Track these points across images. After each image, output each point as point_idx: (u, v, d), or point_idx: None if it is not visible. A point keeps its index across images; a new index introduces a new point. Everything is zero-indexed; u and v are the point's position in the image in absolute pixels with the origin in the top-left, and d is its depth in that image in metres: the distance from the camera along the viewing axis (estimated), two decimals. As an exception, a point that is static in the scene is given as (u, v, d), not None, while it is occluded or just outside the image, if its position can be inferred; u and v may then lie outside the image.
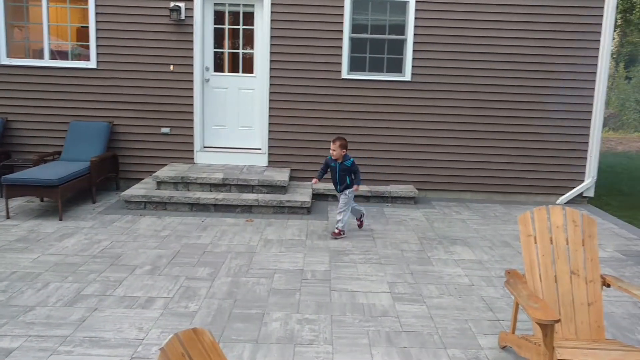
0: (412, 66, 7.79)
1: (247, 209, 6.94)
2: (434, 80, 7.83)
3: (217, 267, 4.98)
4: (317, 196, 7.63)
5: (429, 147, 7.97)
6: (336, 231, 6.02)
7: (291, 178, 7.82)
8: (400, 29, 7.80)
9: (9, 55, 7.73)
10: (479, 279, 4.96)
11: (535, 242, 3.44)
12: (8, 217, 6.31)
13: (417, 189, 7.91)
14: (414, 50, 7.75)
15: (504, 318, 4.14)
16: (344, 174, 6.00)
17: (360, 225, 6.38)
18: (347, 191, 6.03)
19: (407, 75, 7.82)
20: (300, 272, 4.94)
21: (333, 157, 5.97)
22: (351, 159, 6.00)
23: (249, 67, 8.00)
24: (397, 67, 7.88)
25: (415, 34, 7.72)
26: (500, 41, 7.74)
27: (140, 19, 7.62)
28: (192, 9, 7.59)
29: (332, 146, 5.95)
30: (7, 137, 7.78)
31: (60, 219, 6.32)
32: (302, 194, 7.21)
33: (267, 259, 5.25)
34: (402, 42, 7.82)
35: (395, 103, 7.87)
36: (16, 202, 6.96)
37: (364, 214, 6.35)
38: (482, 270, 5.18)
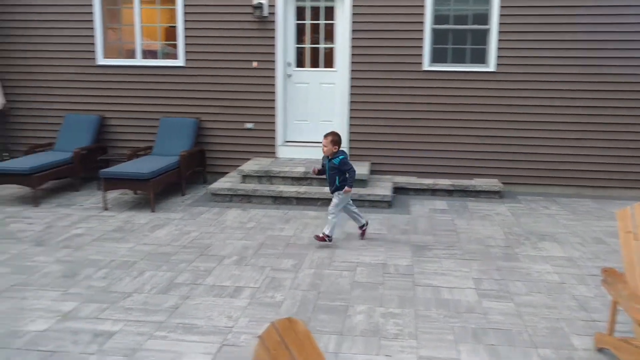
0: (497, 56, 7.54)
1: (328, 202, 6.98)
2: (519, 70, 7.55)
3: (301, 259, 5.07)
4: (399, 190, 7.58)
5: (515, 139, 7.71)
6: (320, 235, 5.43)
7: (371, 171, 7.80)
8: (484, 18, 7.57)
9: (105, 56, 8.19)
10: (569, 276, 4.75)
11: (637, 239, 3.25)
12: (106, 209, 6.72)
13: (502, 183, 7.68)
14: (499, 40, 7.51)
15: (599, 319, 3.95)
16: (334, 173, 5.39)
17: (362, 235, 5.70)
18: (337, 193, 5.46)
19: (492, 66, 7.58)
20: (383, 265, 4.94)
21: (324, 153, 5.45)
22: (341, 157, 5.33)
23: (329, 62, 8.05)
24: (480, 57, 7.67)
25: (500, 23, 7.47)
26: (591, 27, 7.34)
27: (224, 17, 7.85)
28: (275, 6, 7.72)
29: (323, 141, 5.40)
30: (103, 133, 8.27)
31: (152, 211, 6.65)
32: (382, 188, 7.19)
33: (348, 252, 5.28)
34: (485, 32, 7.59)
35: (478, 94, 7.67)
36: (112, 195, 7.38)
37: (366, 224, 5.69)
38: (573, 267, 4.96)
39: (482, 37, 7.62)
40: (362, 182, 7.16)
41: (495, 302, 4.20)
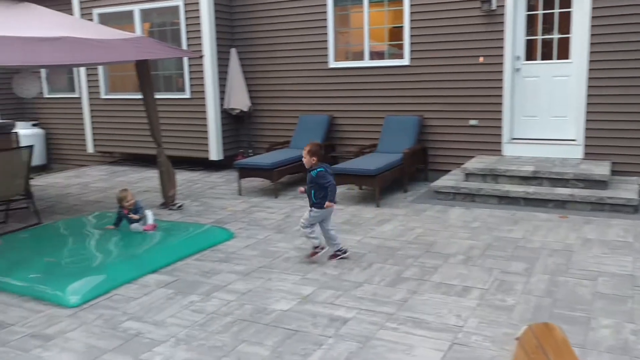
0: None
1: (560, 204, 6.50)
2: None
3: (532, 263, 4.79)
4: (645, 193, 6.71)
5: None
6: (310, 252, 5.06)
7: (612, 172, 7.03)
8: None
9: (335, 59, 8.71)
10: None
11: None
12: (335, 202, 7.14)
13: None
14: None
15: None
16: (311, 187, 4.88)
17: (311, 255, 5.04)
18: (311, 209, 4.90)
19: None
20: (631, 277, 4.41)
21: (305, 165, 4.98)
22: (319, 169, 4.82)
23: (563, 53, 7.45)
24: None
25: None
26: None
27: (450, 14, 7.77)
28: (504, -2, 7.41)
29: (303, 152, 4.95)
30: (332, 132, 8.81)
31: (377, 206, 6.88)
32: (627, 190, 6.43)
33: (587, 260, 4.83)
34: None
35: None
36: (340, 189, 7.79)
37: (323, 248, 5.00)
38: None
39: None
40: (601, 184, 6.49)
41: None
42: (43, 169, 11.45)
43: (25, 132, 10.51)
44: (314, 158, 4.87)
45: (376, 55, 8.53)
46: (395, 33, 8.33)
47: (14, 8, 6.02)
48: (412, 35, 8.06)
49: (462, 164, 7.55)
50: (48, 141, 11.83)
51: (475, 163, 7.33)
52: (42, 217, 6.71)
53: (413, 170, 7.82)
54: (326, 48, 8.70)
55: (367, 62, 8.47)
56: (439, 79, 7.99)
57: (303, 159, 4.95)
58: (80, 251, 5.29)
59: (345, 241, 5.55)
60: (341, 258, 5.05)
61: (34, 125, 11.63)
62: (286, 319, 3.90)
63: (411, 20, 8.01)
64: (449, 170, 7.96)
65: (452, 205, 6.83)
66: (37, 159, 10.55)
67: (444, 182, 7.23)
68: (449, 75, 7.92)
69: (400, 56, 8.25)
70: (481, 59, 7.67)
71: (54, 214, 7.04)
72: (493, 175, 7.05)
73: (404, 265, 4.85)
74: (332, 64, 8.70)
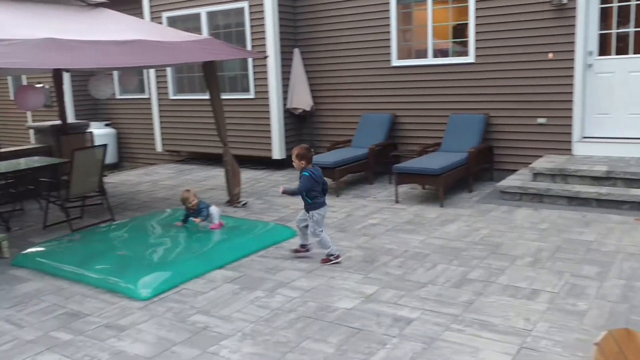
0: None
1: (636, 206, 6.19)
2: None
3: (606, 267, 4.59)
4: None
5: None
6: (324, 257, 5.02)
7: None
8: None
9: (398, 57, 8.64)
10: None
11: None
12: (397, 202, 7.10)
13: None
14: None
15: None
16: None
17: (296, 251, 5.20)
18: (311, 213, 4.93)
19: None
20: None
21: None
22: (304, 173, 4.86)
23: (640, 47, 7.10)
24: None
25: None
26: None
27: (518, 9, 7.55)
28: (576, -9, 7.13)
29: (292, 155, 4.97)
30: (394, 131, 8.75)
31: (441, 206, 6.78)
32: None
33: (667, 265, 4.59)
34: None
35: None
36: (402, 189, 7.74)
37: (308, 247, 5.15)
38: None
39: None
40: (682, 185, 6.15)
41: None
42: (115, 167, 11.96)
43: (99, 132, 10.99)
44: (302, 162, 4.90)
45: (440, 52, 8.40)
46: (460, 30, 8.17)
47: (91, 13, 6.31)
48: (477, 32, 7.88)
49: (530, 163, 7.32)
50: (119, 140, 12.35)
51: (544, 162, 7.09)
52: (115, 213, 7.01)
53: (478, 170, 7.66)
54: (389, 46, 8.64)
55: (430, 60, 8.35)
56: (505, 76, 7.78)
57: (293, 163, 5.00)
58: (150, 246, 5.49)
59: (408, 241, 5.51)
60: (333, 263, 4.97)
61: (106, 125, 12.17)
62: (349, 317, 3.91)
63: (476, 17, 7.84)
64: (516, 170, 7.73)
65: (518, 205, 6.64)
66: (110, 157, 11.03)
67: (511, 182, 7.03)
68: (516, 72, 7.70)
69: (465, 53, 8.09)
70: (550, 55, 7.41)
71: (126, 210, 7.34)
72: (563, 175, 6.79)
73: (469, 267, 4.76)
74: (395, 62, 8.63)
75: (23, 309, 4.33)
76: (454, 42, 8.29)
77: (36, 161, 7.41)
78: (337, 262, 4.96)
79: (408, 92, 8.60)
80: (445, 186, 6.84)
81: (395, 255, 5.15)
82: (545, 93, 7.54)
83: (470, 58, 7.99)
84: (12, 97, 13.69)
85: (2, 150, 7.87)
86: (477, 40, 7.90)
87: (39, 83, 11.36)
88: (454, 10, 8.19)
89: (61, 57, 5.04)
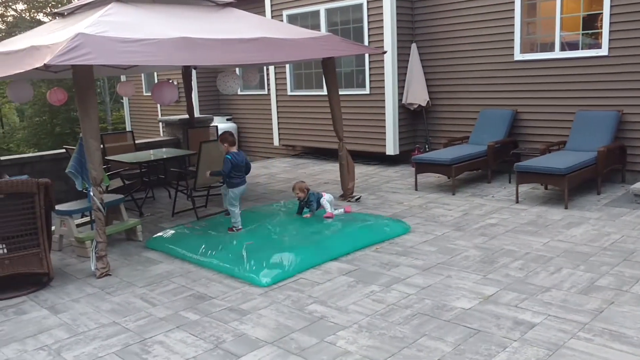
0: None
1: None
2: None
3: None
4: None
5: None
6: (230, 227, 5.89)
7: None
8: None
9: (521, 51, 8.26)
10: None
11: None
12: (517, 202, 6.80)
13: None
14: None
15: None
16: None
17: (229, 230, 5.84)
18: (230, 190, 5.79)
19: None
20: None
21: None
22: (227, 156, 5.68)
23: None
24: None
25: None
26: None
27: (661, -4, 6.93)
28: None
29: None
30: (515, 128, 8.38)
31: (566, 207, 6.40)
32: None
33: None
34: None
35: None
36: (522, 189, 7.40)
37: (239, 229, 5.83)
38: None
39: None
40: None
41: None
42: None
43: (221, 126, 11.56)
44: (225, 144, 5.73)
45: (568, 46, 7.91)
46: (591, 21, 7.65)
47: (219, 12, 6.65)
48: (612, 23, 7.33)
49: (669, 165, 6.72)
50: (239, 134, 12.92)
51: (687, 164, 6.47)
52: (236, 203, 7.35)
53: (608, 171, 7.13)
54: (512, 40, 8.28)
55: (557, 54, 7.89)
56: (643, 69, 7.18)
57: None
58: (269, 236, 5.70)
59: (529, 243, 5.28)
60: (233, 231, 5.78)
61: (227, 119, 12.80)
62: (468, 317, 3.82)
63: (612, 6, 7.28)
64: (652, 172, 7.13)
65: (655, 210, 6.12)
66: (230, 150, 11.56)
67: (646, 184, 6.49)
68: (656, 65, 7.08)
69: (597, 46, 7.55)
70: (698, 46, 6.73)
71: (245, 200, 7.67)
72: None
73: (598, 273, 4.46)
74: (518, 56, 8.26)
75: (155, 288, 4.68)
76: (584, 34, 7.77)
77: (165, 152, 7.96)
78: (238, 230, 5.78)
79: (531, 87, 8.20)
80: (570, 187, 6.45)
81: (516, 257, 4.94)
82: (690, 88, 6.86)
83: (603, 51, 7.45)
84: (145, 93, 14.81)
85: (137, 141, 8.52)
86: (611, 31, 7.35)
87: (169, 79, 12.19)
88: (585, 0, 7.67)
89: (193, 55, 5.35)
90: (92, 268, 5.02)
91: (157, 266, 5.24)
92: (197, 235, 5.83)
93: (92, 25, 5.02)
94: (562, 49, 7.90)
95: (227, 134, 5.80)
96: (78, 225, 5.89)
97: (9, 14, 26.41)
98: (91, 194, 5.04)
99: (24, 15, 26.02)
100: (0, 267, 4.59)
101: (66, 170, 5.73)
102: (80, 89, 4.84)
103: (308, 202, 6.14)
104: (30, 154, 8.38)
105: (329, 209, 6.13)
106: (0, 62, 5.57)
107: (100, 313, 4.22)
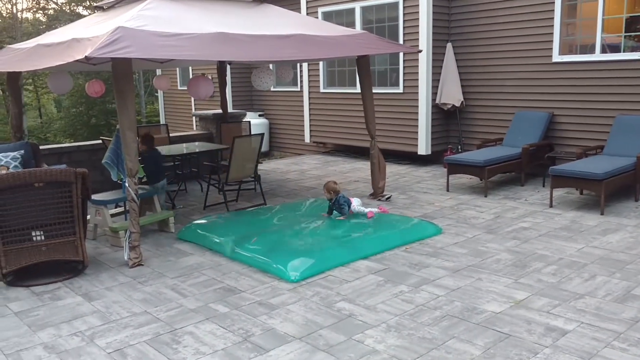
0: None
1: None
2: None
3: None
4: None
5: None
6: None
7: None
8: None
9: (560, 52, 8.09)
10: None
11: None
12: (551, 206, 6.68)
13: None
14: None
15: None
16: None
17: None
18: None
19: None
20: None
21: None
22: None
23: None
24: None
25: None
26: None
27: None
28: None
29: None
30: (551, 130, 8.22)
31: (602, 213, 6.26)
32: None
33: None
34: None
35: None
36: (557, 193, 7.27)
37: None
38: None
39: None
40: None
41: None
42: (265, 155, 12.62)
43: (254, 122, 11.65)
44: (143, 146, 6.21)
45: (608, 48, 7.72)
46: (634, 23, 7.44)
47: (255, 8, 6.69)
48: (656, 25, 7.14)
49: None
50: (270, 130, 12.99)
51: None
52: (266, 198, 7.40)
53: (647, 177, 6.95)
54: (551, 41, 8.12)
55: (598, 56, 7.70)
56: (688, 74, 6.97)
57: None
58: (299, 232, 5.72)
59: (563, 248, 5.18)
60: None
61: (260, 115, 12.87)
62: (498, 321, 3.77)
63: (656, 8, 7.09)
64: (694, 180, 6.90)
65: (696, 219, 5.94)
66: (263, 145, 11.65)
67: (687, 192, 6.30)
68: (701, 70, 6.86)
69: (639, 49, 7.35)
70: None
71: (276, 196, 7.72)
72: None
73: (635, 282, 4.35)
74: (557, 58, 8.09)
75: (186, 280, 4.74)
76: (628, 36, 7.58)
77: (198, 146, 8.05)
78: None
79: (569, 89, 8.03)
80: (607, 193, 6.31)
81: (549, 262, 4.86)
82: None
83: (647, 54, 7.26)
84: (180, 87, 15.00)
85: (171, 135, 8.64)
86: (655, 34, 7.16)
87: (204, 74, 12.31)
88: (629, 1, 7.47)
89: (229, 50, 5.40)
90: (125, 257, 5.12)
91: (188, 258, 5.31)
92: (228, 227, 5.87)
93: (131, 19, 5.11)
94: (603, 51, 7.72)
95: (146, 134, 6.52)
96: (112, 215, 6.01)
97: (50, 7, 27.05)
98: (126, 184, 5.13)
99: (64, 8, 26.61)
100: (38, 254, 4.72)
101: (102, 161, 5.85)
102: (119, 82, 4.92)
103: (339, 205, 6.09)
104: (68, 144, 8.58)
105: (365, 210, 6.09)
106: (42, 54, 5.71)
107: (132, 302, 4.29)
